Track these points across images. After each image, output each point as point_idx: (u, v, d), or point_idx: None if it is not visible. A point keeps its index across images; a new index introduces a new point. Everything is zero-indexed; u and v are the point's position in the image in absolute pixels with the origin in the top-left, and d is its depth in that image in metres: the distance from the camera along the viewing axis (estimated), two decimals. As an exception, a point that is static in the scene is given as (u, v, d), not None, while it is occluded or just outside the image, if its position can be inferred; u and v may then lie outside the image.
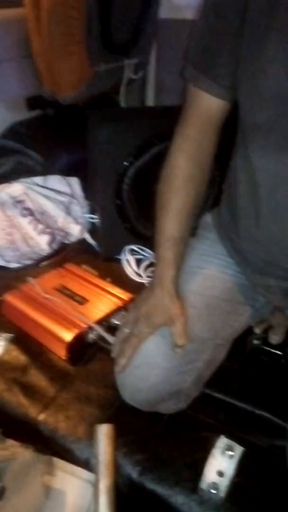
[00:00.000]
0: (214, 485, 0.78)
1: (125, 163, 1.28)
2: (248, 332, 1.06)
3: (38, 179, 1.56)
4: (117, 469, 0.83)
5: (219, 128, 0.93)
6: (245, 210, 0.92)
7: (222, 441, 0.86)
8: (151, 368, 0.88)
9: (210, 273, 0.99)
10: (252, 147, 0.85)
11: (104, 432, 0.84)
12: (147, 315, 0.89)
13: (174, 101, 1.43)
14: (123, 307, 1.17)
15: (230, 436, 0.87)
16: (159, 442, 0.87)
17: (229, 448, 0.84)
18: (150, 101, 2.00)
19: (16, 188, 1.48)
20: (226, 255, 1.01)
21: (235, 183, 0.95)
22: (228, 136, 0.95)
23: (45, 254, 1.47)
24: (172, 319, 0.87)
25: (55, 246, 1.49)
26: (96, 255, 1.48)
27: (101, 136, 1.26)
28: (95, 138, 1.29)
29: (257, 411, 0.94)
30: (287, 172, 0.80)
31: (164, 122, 1.28)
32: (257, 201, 0.86)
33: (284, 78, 0.74)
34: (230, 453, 0.83)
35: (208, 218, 1.11)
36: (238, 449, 0.84)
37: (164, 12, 1.78)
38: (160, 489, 0.80)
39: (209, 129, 0.92)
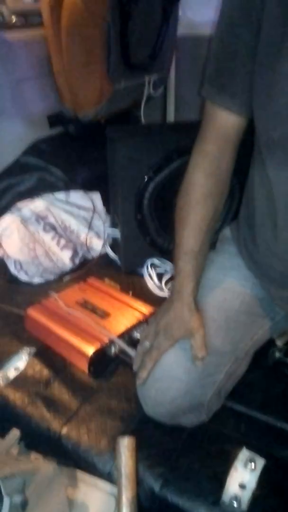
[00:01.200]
0: (236, 498, 0.79)
1: (145, 178, 1.31)
2: (270, 344, 1.07)
3: (60, 195, 1.60)
4: (139, 482, 0.84)
5: (237, 144, 0.95)
6: (262, 223, 0.94)
7: (244, 453, 0.87)
8: (172, 381, 0.89)
9: (229, 286, 1.01)
10: (268, 161, 0.87)
11: (125, 445, 0.86)
12: (167, 328, 0.91)
13: (193, 116, 1.47)
14: (145, 321, 1.19)
15: (251, 448, 0.88)
16: (181, 455, 0.88)
17: (251, 461, 0.85)
18: (170, 117, 2.04)
19: (38, 204, 1.53)
20: (245, 268, 1.03)
21: (253, 197, 0.97)
22: (247, 149, 0.98)
23: (68, 269, 1.51)
24: (191, 331, 0.89)
25: (77, 261, 1.53)
26: (118, 269, 1.51)
27: (121, 152, 1.29)
28: (116, 154, 1.32)
29: (279, 424, 0.94)
30: None
31: (184, 137, 1.31)
32: (274, 214, 0.88)
33: None
34: (252, 465, 0.83)
35: (227, 231, 1.12)
36: (260, 462, 0.84)
37: (183, 29, 1.82)
38: (182, 502, 0.81)
39: (227, 145, 0.94)
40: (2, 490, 0.72)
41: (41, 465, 0.85)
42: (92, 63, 1.57)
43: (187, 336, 0.89)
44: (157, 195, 1.34)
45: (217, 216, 0.97)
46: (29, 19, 1.65)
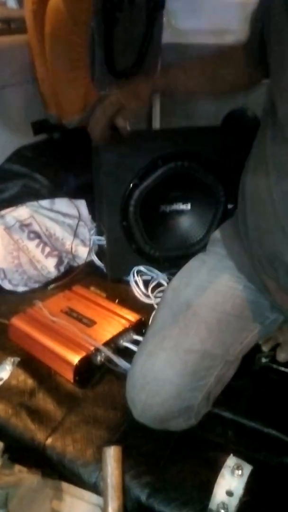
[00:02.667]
0: (224, 505, 0.79)
1: (130, 185, 1.32)
2: (256, 350, 1.07)
3: (45, 202, 1.60)
4: (125, 492, 0.84)
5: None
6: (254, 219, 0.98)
7: (231, 460, 0.87)
8: (163, 384, 0.90)
9: (220, 288, 1.02)
10: (270, 141, 0.92)
11: (111, 455, 0.86)
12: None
13: (179, 123, 1.48)
14: (131, 329, 1.19)
15: (239, 455, 0.88)
16: (168, 464, 0.88)
17: (238, 467, 0.85)
18: (156, 124, 2.05)
19: (22, 212, 1.53)
20: (237, 270, 1.04)
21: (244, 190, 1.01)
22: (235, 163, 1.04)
23: (53, 277, 1.50)
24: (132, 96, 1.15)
25: (62, 268, 1.52)
26: (104, 277, 1.51)
27: (106, 158, 1.30)
28: (100, 160, 1.32)
29: (266, 429, 0.94)
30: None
31: (169, 144, 1.33)
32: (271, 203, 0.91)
33: None
34: (239, 472, 0.83)
35: (217, 233, 1.14)
36: (247, 468, 0.85)
37: (168, 36, 1.83)
38: (169, 511, 0.81)
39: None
40: (-16, 503, 0.72)
41: (25, 477, 0.85)
42: (76, 70, 1.57)
43: (130, 97, 1.14)
44: (143, 202, 1.35)
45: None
46: (12, 25, 1.65)
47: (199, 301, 0.99)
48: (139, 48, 1.72)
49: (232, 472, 0.84)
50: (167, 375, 0.90)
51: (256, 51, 1.04)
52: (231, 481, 0.83)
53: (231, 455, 0.87)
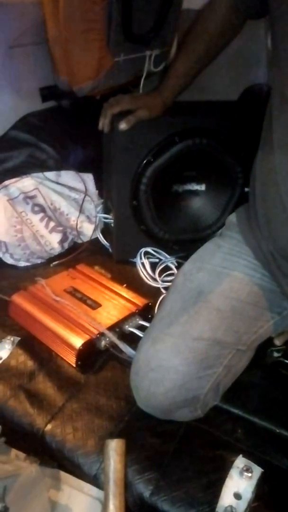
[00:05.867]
0: (231, 509, 0.77)
1: (143, 162, 1.27)
2: (268, 344, 1.05)
3: (50, 174, 1.55)
4: (127, 487, 0.82)
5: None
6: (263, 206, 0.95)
7: (240, 461, 0.85)
8: (167, 372, 0.88)
9: (236, 274, 0.99)
10: (276, 123, 0.90)
11: (114, 448, 0.84)
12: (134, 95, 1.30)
13: (196, 97, 1.42)
14: (137, 313, 1.16)
15: (248, 456, 0.86)
16: (173, 460, 0.86)
17: (247, 469, 0.83)
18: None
19: (27, 183, 1.48)
20: (252, 257, 1.00)
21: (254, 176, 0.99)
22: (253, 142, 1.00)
23: (56, 253, 1.47)
24: (144, 106, 1.20)
25: (66, 245, 1.49)
26: (109, 257, 1.48)
27: (119, 132, 1.25)
28: (111, 133, 1.27)
29: (277, 430, 0.92)
30: None
31: (186, 119, 1.28)
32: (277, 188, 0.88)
33: None
34: (249, 474, 0.81)
35: (232, 217, 1.10)
36: (257, 471, 0.83)
37: (188, 2, 1.76)
38: (174, 511, 0.79)
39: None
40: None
41: (23, 467, 0.83)
42: (91, 32, 1.50)
43: (142, 105, 1.21)
44: (155, 180, 1.30)
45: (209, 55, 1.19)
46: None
47: (212, 287, 0.97)
48: (158, 12, 1.66)
49: (241, 474, 0.82)
50: (172, 363, 0.88)
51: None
52: (239, 483, 0.81)
53: (240, 455, 0.85)
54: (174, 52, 1.82)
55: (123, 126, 1.21)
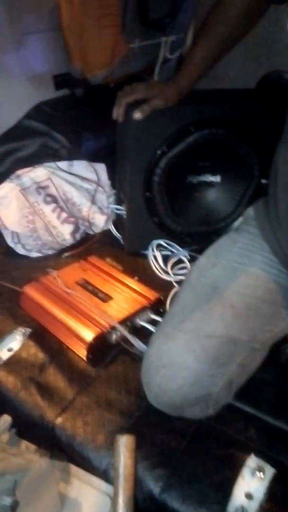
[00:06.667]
0: (243, 509, 0.76)
1: (157, 152, 1.25)
2: (282, 341, 1.03)
3: (63, 164, 1.54)
4: (137, 483, 0.82)
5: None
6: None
7: (252, 460, 0.84)
8: (179, 368, 0.87)
9: (252, 270, 0.97)
10: None
11: (125, 444, 0.83)
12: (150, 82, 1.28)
13: (212, 84, 1.40)
14: (149, 307, 1.15)
15: (260, 455, 0.85)
16: (184, 457, 0.85)
17: (260, 469, 0.82)
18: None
19: (40, 173, 1.47)
20: (270, 252, 0.98)
21: (276, 169, 0.96)
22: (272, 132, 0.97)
23: (68, 245, 1.46)
24: (159, 95, 1.18)
25: (78, 236, 1.48)
26: (120, 248, 1.46)
27: (133, 121, 1.23)
28: (126, 122, 1.25)
29: (291, 430, 0.91)
30: None
31: (203, 109, 1.25)
32: None
33: None
34: (261, 474, 0.80)
35: (250, 211, 1.08)
36: (269, 471, 0.81)
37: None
38: (184, 509, 0.78)
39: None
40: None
41: (33, 461, 0.82)
42: (106, 18, 1.48)
43: (157, 94, 1.18)
44: (169, 171, 1.28)
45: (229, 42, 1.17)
46: None
47: (227, 284, 0.95)
48: (174, -2, 1.63)
49: (253, 474, 0.81)
50: (184, 360, 0.87)
51: None
52: (251, 483, 0.80)
53: (252, 454, 0.84)
54: (191, 39, 1.80)
55: (137, 115, 1.18)
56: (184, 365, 0.87)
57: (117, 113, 1.25)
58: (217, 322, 0.90)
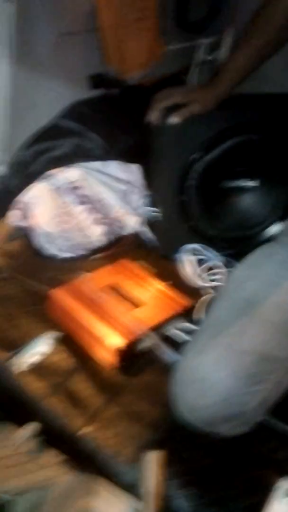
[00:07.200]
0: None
1: (193, 156, 1.21)
2: None
3: (97, 164, 1.51)
4: (166, 501, 0.79)
5: None
6: None
7: (284, 483, 0.80)
8: (211, 385, 0.83)
9: None
10: None
11: (154, 461, 0.80)
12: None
13: (251, 88, 1.35)
14: (182, 315, 1.12)
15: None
16: (214, 476, 0.82)
17: (292, 492, 0.78)
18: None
19: (73, 173, 1.44)
20: None
21: None
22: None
23: (100, 245, 1.43)
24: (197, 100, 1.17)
25: (110, 237, 1.45)
26: (153, 251, 1.43)
27: (169, 125, 1.19)
28: (162, 126, 1.22)
29: None
30: None
31: (241, 113, 1.21)
32: None
33: None
34: (293, 498, 0.77)
35: None
36: (302, 495, 0.77)
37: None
38: (215, 533, 0.75)
39: None
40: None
41: (60, 473, 0.80)
42: (144, 20, 1.46)
43: (195, 99, 1.17)
44: (205, 176, 1.25)
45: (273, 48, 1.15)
46: None
47: (265, 297, 0.90)
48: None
49: (284, 497, 0.77)
50: (216, 376, 0.83)
51: None
52: (281, 507, 0.76)
53: (284, 477, 0.80)
54: (231, 41, 1.75)
55: (175, 120, 1.15)
56: (216, 381, 0.83)
57: (153, 116, 1.22)
58: (253, 337, 0.86)
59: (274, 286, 0.91)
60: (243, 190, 1.35)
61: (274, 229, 1.32)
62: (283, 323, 0.88)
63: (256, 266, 0.97)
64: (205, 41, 1.64)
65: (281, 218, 1.33)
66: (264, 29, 1.10)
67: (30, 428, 0.88)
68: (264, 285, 0.92)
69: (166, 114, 1.19)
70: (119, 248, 1.43)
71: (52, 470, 0.82)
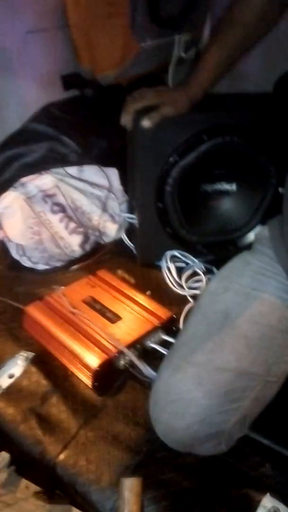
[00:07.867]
0: None
1: (169, 161, 1.18)
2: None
3: (72, 170, 1.47)
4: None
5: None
6: None
7: (268, 500, 0.78)
8: (188, 405, 0.81)
9: (266, 297, 0.90)
10: None
11: (130, 488, 0.78)
12: (159, 90, 1.20)
13: (228, 88, 1.33)
14: (161, 327, 1.09)
15: (276, 494, 0.79)
16: (195, 498, 0.80)
17: (275, 510, 0.77)
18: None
19: (46, 180, 1.41)
20: (285, 277, 0.91)
21: None
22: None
23: (77, 256, 1.40)
24: (169, 101, 1.13)
25: (88, 247, 1.42)
26: (132, 259, 1.40)
27: (143, 130, 1.16)
28: (137, 128, 1.19)
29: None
30: None
31: (216, 116, 1.18)
32: None
33: None
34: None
35: (264, 230, 1.01)
36: (285, 512, 0.76)
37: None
38: None
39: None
40: None
41: (36, 506, 0.78)
42: (115, 16, 1.42)
43: (167, 101, 1.14)
44: (182, 180, 1.22)
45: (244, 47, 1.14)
46: None
47: (240, 311, 0.88)
48: (188, -7, 1.55)
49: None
50: (193, 395, 0.81)
51: None
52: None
53: (268, 494, 0.79)
54: (207, 37, 1.72)
55: (146, 123, 1.12)
56: (193, 401, 0.81)
57: (125, 120, 1.19)
58: (229, 354, 0.84)
59: (247, 299, 0.89)
60: (222, 194, 1.32)
61: (252, 240, 1.29)
62: (258, 338, 0.86)
63: (230, 278, 0.94)
64: (181, 38, 1.60)
65: (262, 223, 1.31)
66: (235, 28, 1.07)
67: (1, 459, 0.86)
68: (237, 298, 0.89)
69: (138, 118, 1.15)
70: (97, 257, 1.41)
71: (28, 503, 0.79)
